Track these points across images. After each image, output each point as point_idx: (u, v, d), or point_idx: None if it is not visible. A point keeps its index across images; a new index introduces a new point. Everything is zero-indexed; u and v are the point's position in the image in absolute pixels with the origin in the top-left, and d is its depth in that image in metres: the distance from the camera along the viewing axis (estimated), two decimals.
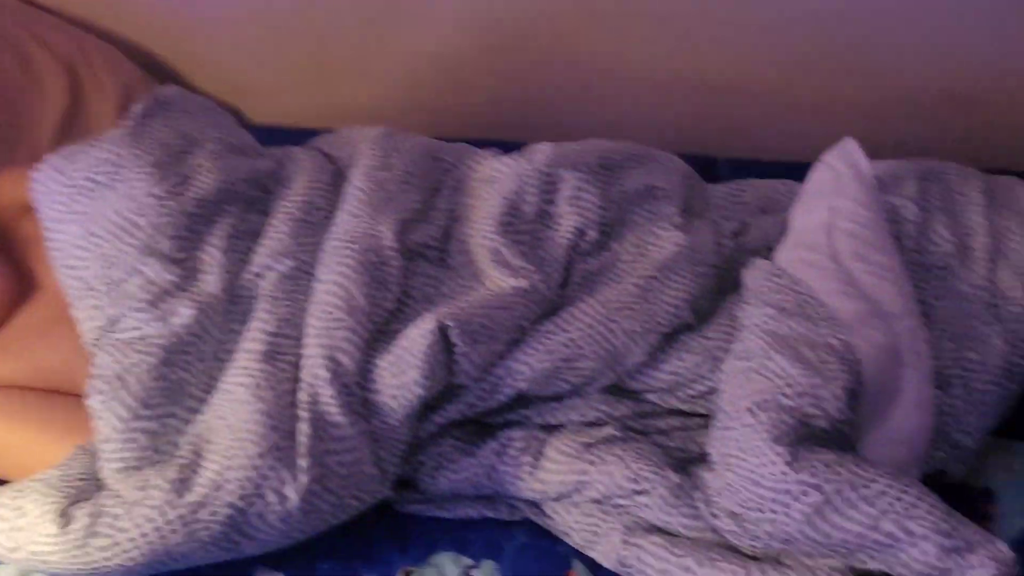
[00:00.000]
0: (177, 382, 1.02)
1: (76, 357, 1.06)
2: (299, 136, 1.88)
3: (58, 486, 0.97)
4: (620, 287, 1.12)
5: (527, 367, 1.06)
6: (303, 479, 0.95)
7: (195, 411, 1.03)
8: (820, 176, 1.21)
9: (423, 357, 1.01)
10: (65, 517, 0.95)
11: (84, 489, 0.98)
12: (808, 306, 1.03)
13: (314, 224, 1.18)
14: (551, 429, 1.10)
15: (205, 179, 1.16)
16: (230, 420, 0.98)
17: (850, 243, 1.11)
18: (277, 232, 1.15)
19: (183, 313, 1.05)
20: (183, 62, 2.01)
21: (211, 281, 1.09)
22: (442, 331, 1.03)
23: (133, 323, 1.04)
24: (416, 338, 1.03)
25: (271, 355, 1.03)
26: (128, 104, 1.82)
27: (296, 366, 1.04)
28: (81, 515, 0.95)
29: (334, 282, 1.07)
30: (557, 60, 1.81)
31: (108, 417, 0.98)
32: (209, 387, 1.04)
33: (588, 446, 1.05)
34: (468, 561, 1.05)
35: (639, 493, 1.00)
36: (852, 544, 0.88)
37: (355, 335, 1.03)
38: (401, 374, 1.02)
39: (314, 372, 1.01)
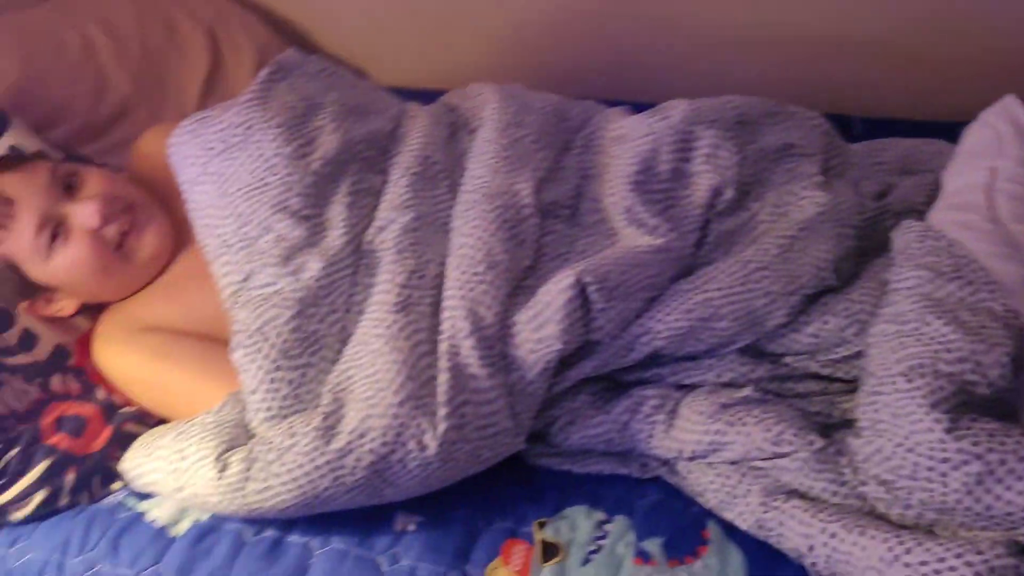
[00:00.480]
0: (313, 333, 1.05)
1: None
2: (423, 97, 1.94)
3: (215, 432, 1.03)
4: (759, 247, 1.09)
5: (664, 326, 1.05)
6: (441, 427, 0.97)
7: (332, 361, 1.06)
8: (979, 135, 1.14)
9: (562, 312, 1.01)
10: (222, 462, 1.00)
11: (237, 436, 1.03)
12: (966, 269, 0.98)
13: (432, 177, 1.20)
14: (686, 388, 1.09)
15: (328, 140, 1.19)
16: (368, 370, 1.00)
17: (1012, 205, 1.05)
18: (396, 187, 1.18)
19: (313, 267, 1.08)
20: (313, 25, 2.06)
21: (337, 236, 1.11)
22: (580, 287, 1.03)
23: (267, 278, 1.09)
24: (555, 293, 1.03)
25: (404, 305, 1.05)
26: (263, 66, 1.90)
27: (430, 316, 1.06)
28: (236, 461, 1.00)
29: (474, 236, 1.09)
30: (679, 18, 1.77)
31: (252, 369, 1.03)
32: (344, 338, 1.07)
33: (725, 407, 1.03)
34: (601, 515, 1.04)
35: (780, 456, 0.97)
36: (1017, 517, 0.84)
37: (495, 289, 1.04)
38: (540, 329, 1.02)
39: (455, 324, 1.02)
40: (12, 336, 1.17)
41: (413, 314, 1.05)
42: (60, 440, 1.11)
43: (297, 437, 0.98)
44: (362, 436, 0.97)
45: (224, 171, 1.17)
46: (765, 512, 0.96)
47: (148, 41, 1.77)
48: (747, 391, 1.05)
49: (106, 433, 1.13)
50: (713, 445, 1.01)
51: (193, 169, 1.20)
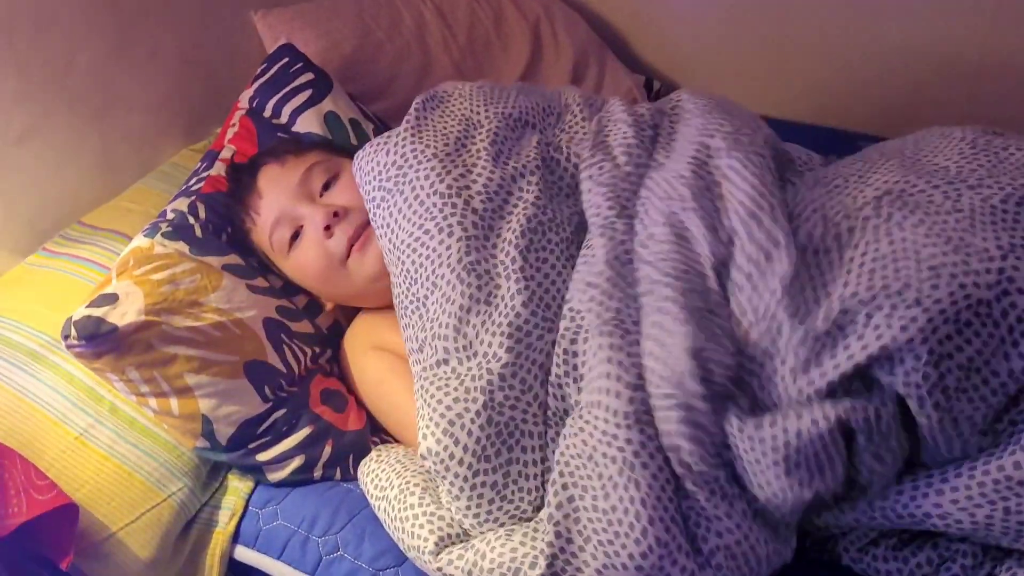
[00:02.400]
0: (508, 423, 0.89)
1: None
2: None
3: (430, 519, 0.91)
4: None
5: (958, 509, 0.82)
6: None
7: (538, 448, 0.90)
8: None
9: (812, 459, 0.81)
10: (440, 549, 0.90)
11: (452, 526, 0.91)
12: None
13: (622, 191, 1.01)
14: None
15: (484, 165, 1.02)
16: (601, 502, 0.82)
17: None
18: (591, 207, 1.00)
19: (491, 343, 0.92)
20: (634, 33, 1.98)
21: (514, 294, 0.93)
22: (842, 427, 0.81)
23: (441, 353, 0.94)
24: (806, 426, 0.81)
25: (636, 417, 0.83)
26: (581, 67, 1.85)
27: (653, 423, 0.84)
28: (456, 559, 0.88)
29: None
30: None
31: (449, 479, 0.88)
32: (544, 418, 0.91)
33: None
34: None
35: None
36: None
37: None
38: (777, 466, 0.81)
39: (671, 438, 0.83)
40: (300, 300, 1.19)
41: (647, 428, 0.83)
42: (325, 411, 1.10)
43: (521, 565, 0.84)
44: None
45: (387, 222, 1.03)
46: None
47: (476, 28, 1.77)
48: None
49: (362, 415, 1.11)
50: None
51: (373, 218, 1.07)
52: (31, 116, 1.26)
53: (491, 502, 0.88)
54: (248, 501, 1.07)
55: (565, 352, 0.89)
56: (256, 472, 1.08)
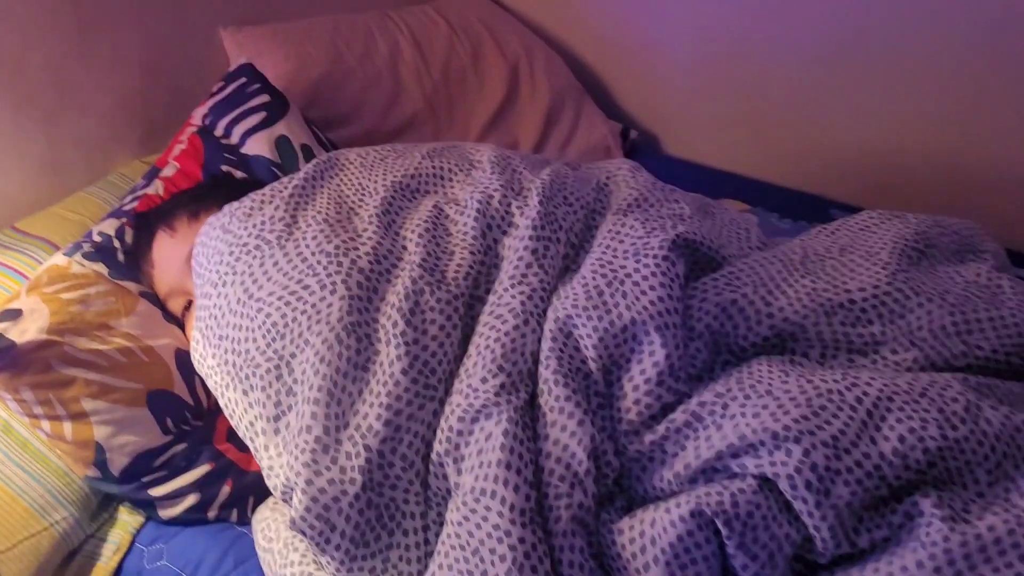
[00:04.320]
0: (389, 505, 0.84)
1: None
2: (711, 175, 1.79)
3: None
4: None
5: None
6: None
7: (420, 528, 0.85)
8: None
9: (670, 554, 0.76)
10: None
11: None
12: None
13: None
14: None
15: (375, 232, 0.99)
16: None
17: None
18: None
19: (367, 414, 0.86)
20: (615, 81, 1.96)
21: (393, 362, 0.87)
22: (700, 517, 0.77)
23: (307, 418, 0.86)
24: (664, 524, 0.78)
25: (531, 516, 0.78)
26: (556, 110, 1.83)
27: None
28: None
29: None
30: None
31: (325, 557, 0.82)
32: (427, 501, 0.86)
33: None
34: None
35: None
36: None
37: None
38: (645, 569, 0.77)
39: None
40: None
41: (538, 529, 0.78)
42: (229, 449, 1.07)
43: None
44: None
45: (253, 270, 0.96)
46: None
47: (452, 62, 1.75)
48: None
49: None
50: None
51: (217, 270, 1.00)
52: None
53: None
54: (135, 537, 1.04)
55: (451, 429, 0.84)
56: (148, 507, 1.04)
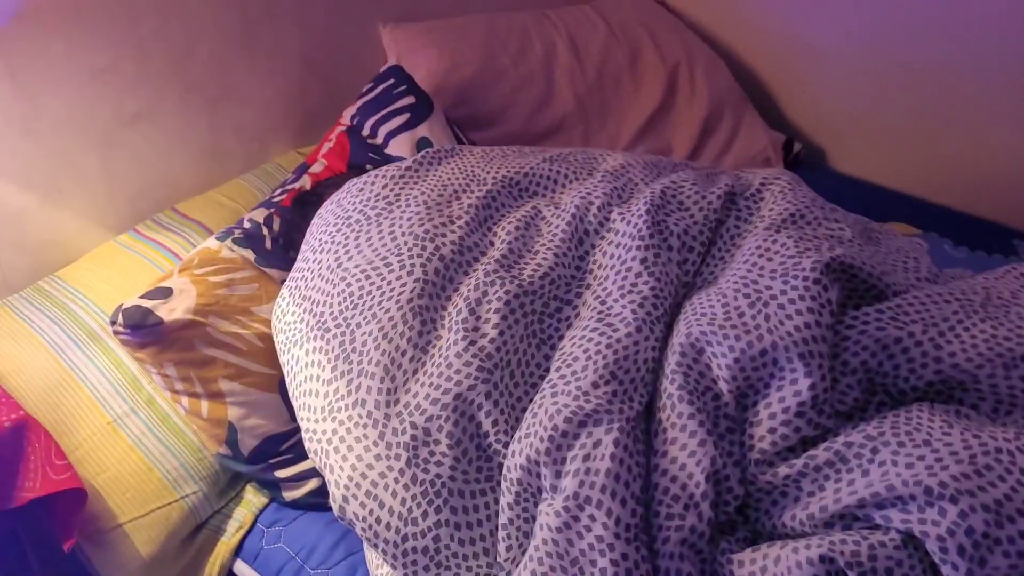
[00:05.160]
0: (433, 482, 0.82)
1: None
2: (879, 195, 1.66)
3: None
4: None
5: None
6: None
7: (478, 515, 0.83)
8: None
9: None
10: None
11: None
12: None
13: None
14: None
15: (468, 222, 0.99)
16: None
17: None
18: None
19: (417, 393, 0.86)
20: (781, 89, 1.86)
21: (451, 345, 0.89)
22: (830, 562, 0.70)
23: (361, 392, 0.88)
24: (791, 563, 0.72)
25: (636, 533, 0.74)
26: (714, 118, 1.75)
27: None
28: None
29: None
30: None
31: (380, 544, 0.82)
32: (492, 488, 0.84)
33: None
34: None
35: None
36: None
37: None
38: None
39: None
40: None
41: (642, 546, 0.74)
42: None
43: None
44: None
45: (347, 240, 1.00)
46: None
47: (607, 65, 1.71)
48: None
49: None
50: None
51: (321, 237, 1.05)
52: (145, 100, 1.30)
53: (426, 569, 0.82)
54: (258, 517, 1.06)
55: (555, 428, 0.78)
56: (273, 488, 1.06)
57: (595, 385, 0.80)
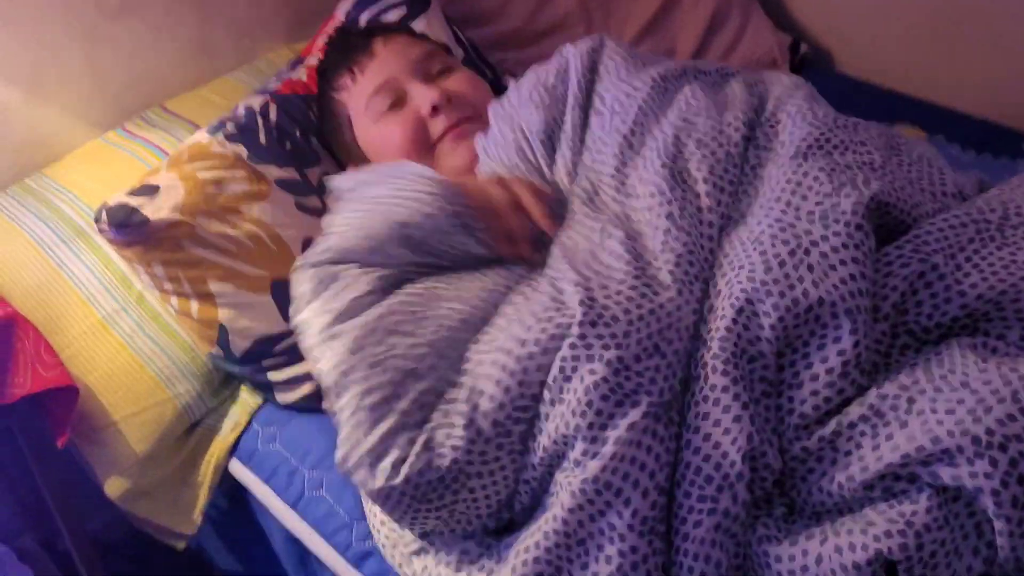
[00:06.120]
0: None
1: None
2: (887, 98, 1.62)
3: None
4: None
5: None
6: None
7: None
8: None
9: None
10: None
11: None
12: None
13: None
14: None
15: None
16: None
17: None
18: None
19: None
20: None
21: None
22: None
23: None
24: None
25: (653, 525, 0.72)
26: (720, 16, 1.68)
27: None
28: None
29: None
30: None
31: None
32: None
33: None
34: None
35: None
36: None
37: None
38: None
39: None
40: None
41: (656, 539, 0.73)
42: None
43: None
44: None
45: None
46: None
47: None
48: None
49: None
50: None
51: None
52: None
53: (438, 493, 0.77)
54: (253, 416, 1.07)
55: (589, 404, 0.73)
56: (266, 390, 1.06)
57: (637, 358, 0.74)
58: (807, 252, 0.76)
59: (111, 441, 1.00)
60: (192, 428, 1.07)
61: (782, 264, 0.76)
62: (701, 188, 0.86)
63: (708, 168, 0.87)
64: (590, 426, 0.73)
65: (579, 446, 0.73)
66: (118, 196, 1.00)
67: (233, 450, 1.06)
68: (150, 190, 1.01)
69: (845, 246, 0.76)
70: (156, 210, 0.99)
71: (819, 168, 0.83)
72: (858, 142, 0.89)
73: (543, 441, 0.76)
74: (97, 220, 0.99)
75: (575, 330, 0.75)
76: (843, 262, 0.75)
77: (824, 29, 1.77)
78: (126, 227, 0.98)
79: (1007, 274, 0.75)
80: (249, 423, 1.06)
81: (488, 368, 0.77)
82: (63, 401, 0.96)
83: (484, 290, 0.85)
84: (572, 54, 1.04)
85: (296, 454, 1.01)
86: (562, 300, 0.79)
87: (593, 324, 0.75)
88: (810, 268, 0.75)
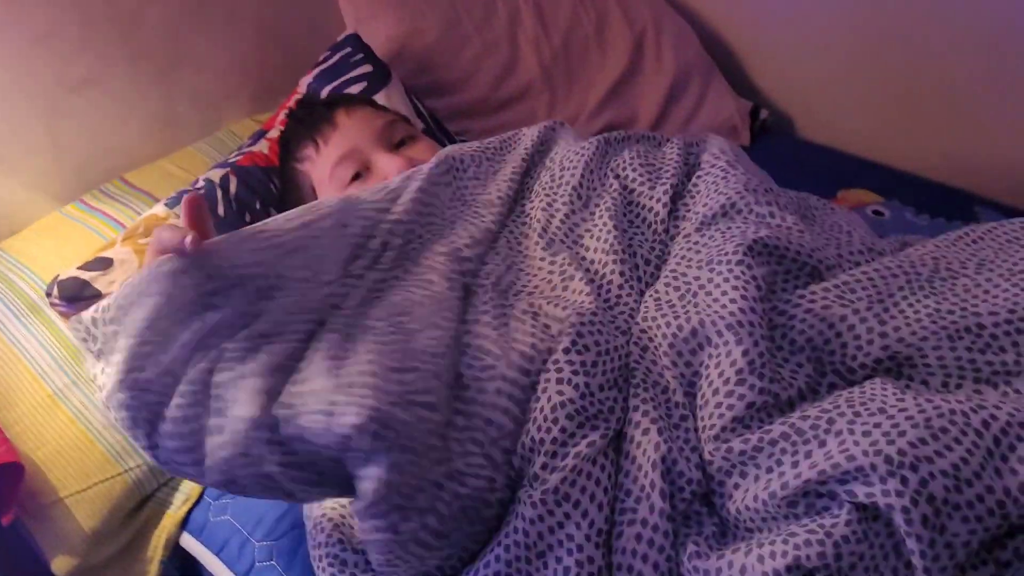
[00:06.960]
0: None
1: None
2: (844, 162, 1.65)
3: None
4: None
5: None
6: None
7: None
8: None
9: None
10: None
11: None
12: None
13: None
14: None
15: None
16: None
17: None
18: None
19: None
20: (750, 56, 1.83)
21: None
22: None
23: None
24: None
25: (596, 543, 0.75)
26: (680, 84, 1.72)
27: None
28: None
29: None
30: None
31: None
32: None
33: None
34: None
35: None
36: None
37: None
38: None
39: None
40: None
41: (608, 555, 0.75)
42: None
43: None
44: None
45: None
46: None
47: (574, 31, 1.68)
48: None
49: None
50: None
51: None
52: (92, 66, 1.27)
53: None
54: (204, 490, 1.05)
55: (555, 422, 0.76)
56: None
57: (601, 388, 0.79)
58: (694, 294, 0.84)
59: (59, 518, 0.98)
60: (143, 503, 1.05)
61: (671, 305, 0.84)
62: (640, 260, 0.93)
63: (648, 246, 0.95)
64: (555, 441, 0.76)
65: (539, 459, 0.76)
66: (70, 270, 1.00)
67: (184, 524, 1.04)
68: (103, 263, 1.01)
69: (726, 280, 0.82)
70: (108, 284, 1.00)
71: (716, 230, 0.91)
72: (763, 203, 0.95)
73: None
74: (48, 294, 0.99)
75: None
76: (724, 292, 0.81)
77: (784, 96, 1.81)
78: (78, 301, 0.98)
79: (930, 322, 0.79)
80: (201, 496, 1.05)
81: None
82: (9, 478, 0.94)
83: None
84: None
85: (247, 525, 0.99)
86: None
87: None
88: (695, 305, 0.82)
